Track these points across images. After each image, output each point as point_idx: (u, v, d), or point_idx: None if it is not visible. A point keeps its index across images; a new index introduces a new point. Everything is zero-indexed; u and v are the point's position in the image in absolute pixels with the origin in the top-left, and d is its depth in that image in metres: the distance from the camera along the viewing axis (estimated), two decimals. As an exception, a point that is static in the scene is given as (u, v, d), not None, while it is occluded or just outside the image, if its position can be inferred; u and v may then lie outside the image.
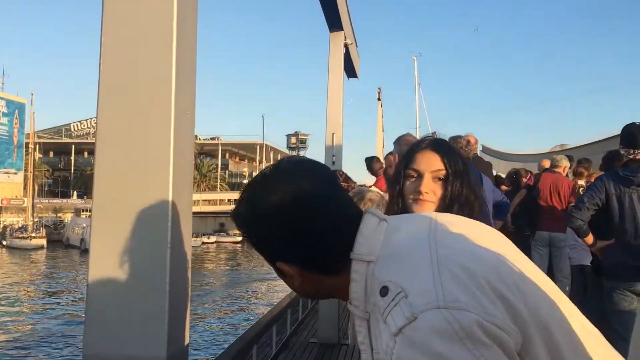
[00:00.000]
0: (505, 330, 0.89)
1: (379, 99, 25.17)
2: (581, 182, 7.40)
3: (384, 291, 0.95)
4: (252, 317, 17.93)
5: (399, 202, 1.89)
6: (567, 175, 7.85)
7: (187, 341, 2.31)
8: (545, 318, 0.96)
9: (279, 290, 25.08)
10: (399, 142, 4.54)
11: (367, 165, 6.87)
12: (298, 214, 1.05)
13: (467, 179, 1.86)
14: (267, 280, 29.91)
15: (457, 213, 1.57)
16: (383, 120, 26.98)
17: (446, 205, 1.78)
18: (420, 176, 1.87)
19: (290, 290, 10.47)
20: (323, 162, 7.26)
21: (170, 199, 2.09)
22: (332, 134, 9.05)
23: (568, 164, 7.68)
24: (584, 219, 4.33)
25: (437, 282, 0.92)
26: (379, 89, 25.34)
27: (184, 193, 2.21)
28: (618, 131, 4.65)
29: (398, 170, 1.95)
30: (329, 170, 1.16)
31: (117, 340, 2.06)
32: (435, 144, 1.91)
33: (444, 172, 1.84)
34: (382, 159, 6.50)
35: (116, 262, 2.10)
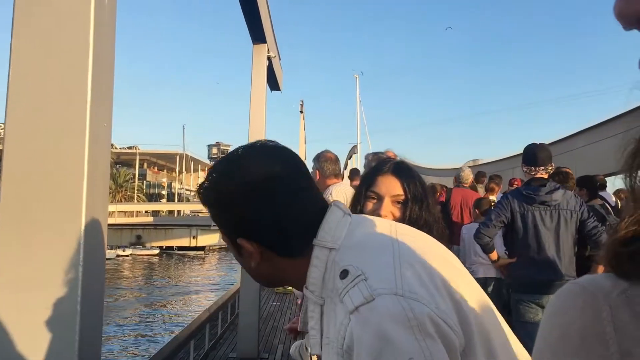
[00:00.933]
0: (453, 329, 0.93)
1: (301, 112, 25.33)
2: (492, 197, 7.74)
3: (344, 274, 0.98)
4: (168, 332, 17.42)
5: None
6: (473, 185, 8.20)
7: (99, 357, 2.20)
8: (487, 327, 1.02)
9: (196, 304, 24.56)
10: (318, 159, 4.60)
11: None
12: (268, 193, 1.07)
13: (427, 202, 1.93)
14: (185, 294, 29.19)
15: None
16: (305, 133, 27.19)
17: None
18: (380, 199, 1.92)
19: (208, 304, 10.31)
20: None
21: (83, 212, 2.00)
22: (254, 146, 9.00)
23: (471, 176, 8.00)
24: (490, 235, 4.58)
25: (398, 272, 0.96)
26: (302, 101, 25.52)
27: (98, 206, 2.12)
28: (521, 150, 4.93)
29: (359, 192, 2.00)
30: (300, 159, 1.17)
31: (25, 356, 1.94)
32: (396, 169, 1.97)
33: (402, 196, 1.90)
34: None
35: (25, 277, 1.99)
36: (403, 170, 1.98)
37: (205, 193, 1.14)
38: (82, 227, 1.98)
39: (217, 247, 59.64)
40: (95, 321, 2.13)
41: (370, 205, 1.94)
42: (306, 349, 2.24)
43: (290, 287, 16.76)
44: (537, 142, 4.69)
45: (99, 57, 2.08)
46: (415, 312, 0.90)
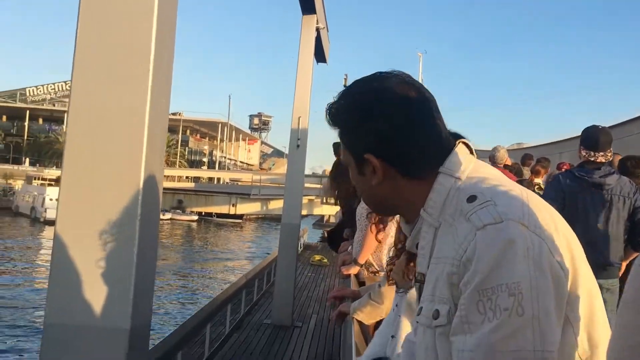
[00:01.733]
0: (566, 275, 0.99)
1: (344, 86, 25.16)
2: (538, 180, 7.60)
3: (472, 199, 1.04)
4: (205, 297, 17.86)
5: None
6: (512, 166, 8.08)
7: (150, 315, 2.30)
8: (592, 290, 1.07)
9: (232, 268, 25.05)
10: None
11: (334, 150, 6.93)
12: (408, 112, 1.12)
13: None
14: (222, 260, 29.78)
15: None
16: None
17: None
18: None
19: (245, 271, 10.50)
20: (288, 144, 7.27)
21: (142, 172, 2.07)
22: (299, 117, 9.05)
23: (506, 157, 7.84)
24: None
25: (526, 208, 1.02)
26: (345, 76, 25.36)
27: (156, 168, 2.19)
28: (570, 134, 4.77)
29: None
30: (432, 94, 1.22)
31: (80, 312, 2.04)
32: None
33: None
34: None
35: (83, 233, 2.08)
36: None
37: (338, 107, 1.18)
38: (141, 183, 2.05)
39: (255, 216, 60.40)
40: (148, 273, 2.21)
41: None
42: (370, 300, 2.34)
43: (325, 260, 16.93)
44: (599, 125, 4.51)
45: (162, 19, 2.13)
46: (535, 245, 0.96)
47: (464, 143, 1.18)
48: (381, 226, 3.30)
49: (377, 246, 3.36)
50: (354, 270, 3.56)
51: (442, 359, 1.03)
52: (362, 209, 3.59)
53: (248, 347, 7.58)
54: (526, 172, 8.35)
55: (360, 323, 2.54)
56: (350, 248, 4.23)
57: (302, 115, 9.07)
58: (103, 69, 2.09)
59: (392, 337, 1.90)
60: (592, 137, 4.40)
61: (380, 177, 1.14)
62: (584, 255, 1.09)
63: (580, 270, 1.04)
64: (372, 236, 3.39)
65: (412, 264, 1.87)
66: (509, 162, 8.18)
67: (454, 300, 1.00)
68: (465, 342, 0.96)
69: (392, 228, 3.21)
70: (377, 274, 3.31)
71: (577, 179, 4.34)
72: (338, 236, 5.91)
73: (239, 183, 65.33)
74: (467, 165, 1.13)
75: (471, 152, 1.18)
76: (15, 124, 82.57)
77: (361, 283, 3.41)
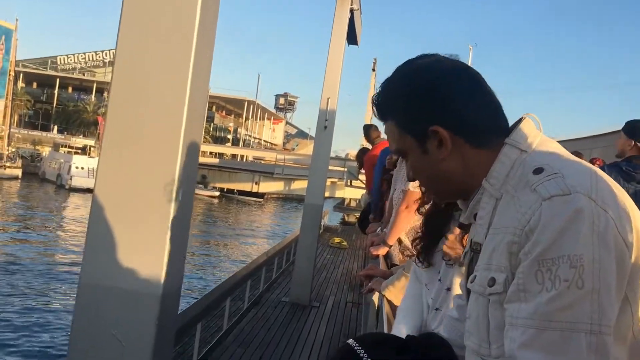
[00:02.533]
0: (630, 252, 0.98)
1: (373, 70, 25.05)
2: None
3: (539, 170, 1.03)
4: (223, 273, 18.06)
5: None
6: None
7: (181, 281, 2.34)
8: None
9: (252, 245, 25.25)
10: None
11: (364, 132, 6.92)
12: (472, 81, 1.14)
13: None
14: (242, 237, 30.04)
15: None
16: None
17: None
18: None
19: (265, 249, 10.56)
20: (315, 125, 7.22)
21: (181, 140, 2.09)
22: (328, 98, 9.03)
23: None
24: None
25: (594, 183, 1.00)
26: (375, 59, 25.20)
27: (195, 135, 2.21)
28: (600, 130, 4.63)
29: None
30: None
31: (115, 273, 2.09)
32: None
33: None
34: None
35: (121, 197, 2.11)
36: None
37: (390, 89, 1.18)
38: (180, 150, 2.08)
39: (276, 195, 60.63)
40: (182, 240, 2.25)
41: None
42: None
43: (344, 243, 16.96)
44: None
45: (208, -9, 2.14)
46: (601, 219, 0.95)
47: (531, 117, 1.17)
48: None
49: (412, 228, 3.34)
50: (382, 250, 3.57)
51: (494, 327, 1.03)
52: (398, 194, 3.59)
53: (266, 323, 7.68)
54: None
55: (390, 304, 2.55)
56: (379, 230, 4.24)
57: (331, 96, 9.05)
58: (148, 31, 2.11)
59: (437, 309, 1.91)
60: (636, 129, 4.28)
61: (449, 148, 1.13)
62: None
63: None
64: (402, 218, 3.38)
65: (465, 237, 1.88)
66: None
67: (511, 269, 0.99)
68: (520, 310, 0.96)
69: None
70: (411, 258, 3.30)
71: (624, 173, 4.20)
72: (367, 217, 5.93)
73: (262, 162, 65.53)
74: (533, 139, 1.12)
75: (539, 127, 1.17)
76: (45, 92, 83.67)
77: (392, 265, 3.41)
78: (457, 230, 1.88)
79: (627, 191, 4.13)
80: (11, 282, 15.04)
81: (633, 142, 4.24)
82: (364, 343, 1.14)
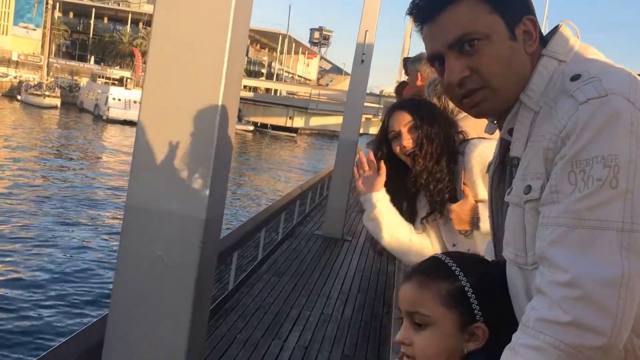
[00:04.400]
0: None
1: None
2: None
3: (576, 77, 1.00)
4: (257, 205, 18.40)
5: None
6: None
7: (223, 207, 2.39)
8: None
9: (284, 182, 25.57)
10: (420, 60, 4.40)
11: (404, 65, 6.78)
12: None
13: (439, 118, 2.08)
14: (274, 170, 30.37)
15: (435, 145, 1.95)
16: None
17: (423, 143, 2.00)
18: (398, 134, 2.06)
19: (299, 183, 10.62)
20: (351, 60, 7.01)
21: (225, 66, 2.09)
22: (366, 31, 8.82)
23: None
24: None
25: (634, 85, 0.97)
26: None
27: (236, 64, 2.20)
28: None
29: (382, 138, 2.14)
30: None
31: (161, 196, 2.14)
32: (400, 105, 2.15)
33: (413, 121, 2.04)
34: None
35: (166, 128, 2.14)
36: (407, 103, 2.16)
37: None
38: (223, 75, 2.08)
39: (309, 131, 60.69)
40: (224, 167, 2.28)
41: (395, 144, 2.06)
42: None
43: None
44: None
45: None
46: (638, 120, 0.92)
47: (567, 25, 1.12)
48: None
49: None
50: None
51: (531, 236, 1.02)
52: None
53: (299, 255, 7.85)
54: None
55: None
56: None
57: (370, 29, 8.84)
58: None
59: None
60: None
61: (537, 41, 1.09)
62: None
63: None
64: None
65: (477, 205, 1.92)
66: None
67: (547, 175, 0.98)
68: (552, 210, 0.95)
69: None
70: None
71: None
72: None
73: (296, 96, 65.26)
74: (571, 47, 1.08)
75: (576, 35, 1.11)
76: (81, 21, 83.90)
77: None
78: (453, 206, 1.92)
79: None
80: (59, 208, 15.59)
81: None
82: (452, 257, 1.15)
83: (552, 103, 1.02)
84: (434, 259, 1.17)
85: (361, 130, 10.33)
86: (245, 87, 67.93)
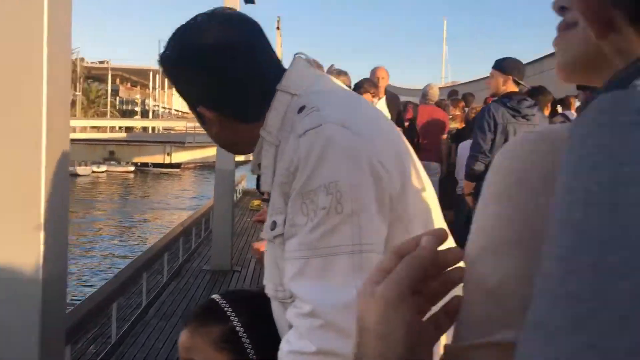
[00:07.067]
0: (389, 175, 0.99)
1: (277, 28, 24.67)
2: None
3: (301, 109, 1.04)
4: (143, 247, 17.71)
5: None
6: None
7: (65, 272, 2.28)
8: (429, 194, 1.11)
9: (171, 220, 24.79)
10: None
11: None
12: (224, 60, 1.09)
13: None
14: (159, 209, 29.41)
15: None
16: (282, 50, 26.64)
17: None
18: None
19: (182, 219, 10.31)
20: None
21: (44, 122, 2.01)
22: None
23: (437, 93, 8.00)
24: (485, 162, 4.28)
25: (351, 112, 1.04)
26: (278, 17, 24.79)
27: (60, 116, 2.12)
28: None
29: None
30: (260, 26, 1.17)
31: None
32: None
33: None
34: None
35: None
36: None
37: (165, 62, 1.16)
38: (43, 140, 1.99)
39: (193, 165, 59.49)
40: (61, 234, 2.18)
41: None
42: None
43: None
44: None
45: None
46: (353, 145, 0.98)
47: (302, 58, 1.15)
48: None
49: None
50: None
51: (283, 269, 1.04)
52: None
53: (187, 294, 7.63)
54: (453, 110, 8.54)
55: None
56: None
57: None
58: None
59: None
60: (518, 67, 4.42)
61: (217, 127, 1.14)
62: (419, 166, 1.12)
63: (412, 175, 1.05)
64: None
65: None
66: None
67: (287, 209, 1.02)
68: (291, 244, 0.99)
69: None
70: None
71: (509, 109, 4.28)
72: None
73: (173, 132, 63.85)
74: (303, 80, 1.11)
75: (318, 67, 1.18)
76: None
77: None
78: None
79: (511, 126, 4.34)
80: None
81: (511, 78, 4.37)
82: (227, 297, 1.16)
83: (287, 136, 1.06)
84: (210, 301, 1.19)
85: (243, 158, 10.27)
86: (120, 128, 65.43)
